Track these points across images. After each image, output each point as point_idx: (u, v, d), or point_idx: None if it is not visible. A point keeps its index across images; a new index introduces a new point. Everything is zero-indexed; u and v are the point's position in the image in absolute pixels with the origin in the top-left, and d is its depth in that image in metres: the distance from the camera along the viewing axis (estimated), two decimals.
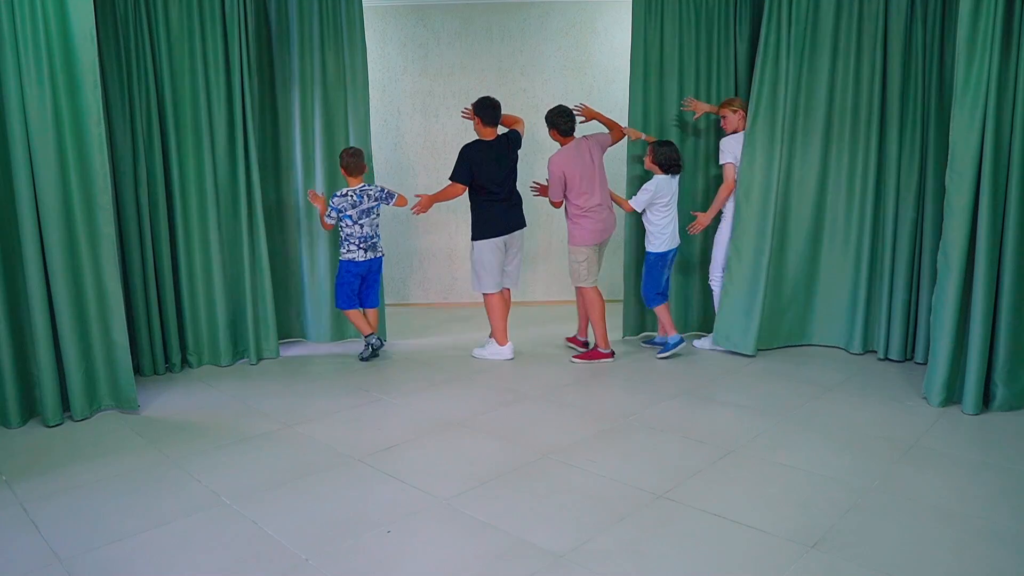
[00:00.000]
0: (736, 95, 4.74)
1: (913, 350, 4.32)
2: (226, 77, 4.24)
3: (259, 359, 4.53)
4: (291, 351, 4.78)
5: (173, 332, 4.30)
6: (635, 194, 4.45)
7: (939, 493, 2.69)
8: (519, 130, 4.54)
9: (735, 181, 4.35)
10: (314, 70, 4.64)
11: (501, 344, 4.52)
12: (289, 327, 4.98)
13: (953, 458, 3.00)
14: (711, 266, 4.60)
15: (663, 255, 4.47)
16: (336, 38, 4.62)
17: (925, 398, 3.64)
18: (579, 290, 4.48)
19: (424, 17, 5.83)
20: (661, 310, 4.52)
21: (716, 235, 4.55)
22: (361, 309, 4.58)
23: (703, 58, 4.72)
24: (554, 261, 6.16)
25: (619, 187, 4.96)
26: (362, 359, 4.54)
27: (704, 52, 4.71)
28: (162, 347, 4.29)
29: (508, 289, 4.61)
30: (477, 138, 4.44)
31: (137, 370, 4.14)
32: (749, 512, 2.56)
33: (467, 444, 3.24)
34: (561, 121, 4.28)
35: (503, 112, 4.47)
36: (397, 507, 2.65)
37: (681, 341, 4.49)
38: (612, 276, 6.07)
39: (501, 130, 4.53)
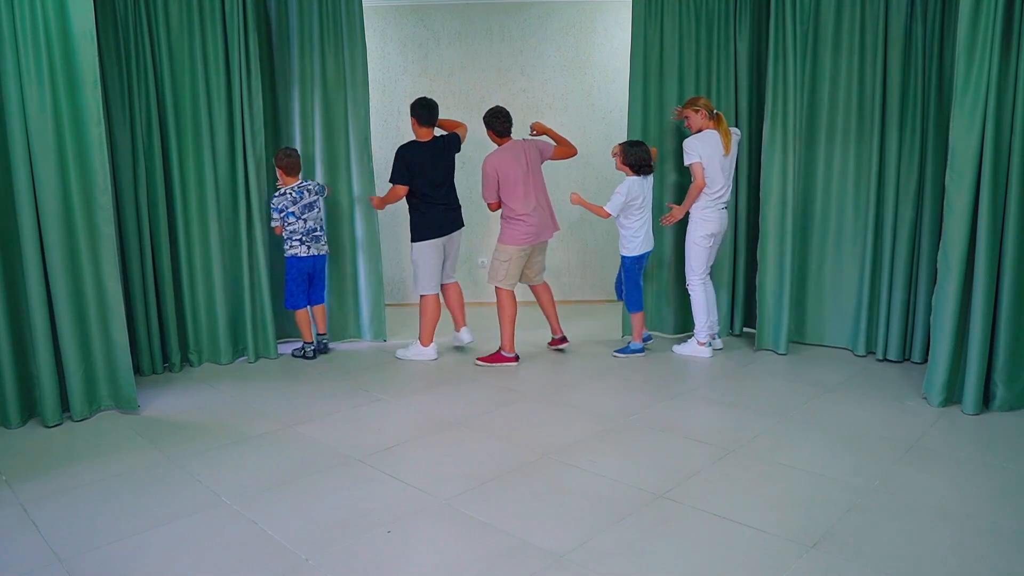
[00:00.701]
0: (736, 95, 4.75)
1: (911, 350, 4.32)
2: (226, 77, 4.25)
3: (257, 358, 4.54)
4: (291, 350, 4.77)
5: (173, 332, 4.30)
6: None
7: (939, 493, 2.69)
8: (460, 134, 4.54)
9: (704, 181, 4.26)
10: (314, 70, 4.64)
11: (425, 345, 4.51)
12: (290, 326, 4.98)
13: (953, 458, 3.00)
14: (686, 270, 4.50)
15: (639, 258, 4.46)
16: (336, 38, 4.62)
17: (925, 398, 3.64)
18: (496, 291, 4.45)
19: (424, 17, 5.83)
20: (638, 317, 4.52)
21: (686, 238, 4.45)
22: (309, 308, 4.62)
23: (703, 58, 4.72)
24: (553, 263, 6.15)
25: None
26: (304, 356, 4.58)
27: (704, 52, 4.72)
28: (161, 347, 4.29)
29: (456, 283, 4.64)
30: (413, 139, 4.43)
31: (137, 370, 4.14)
32: (749, 512, 2.56)
33: (467, 444, 3.24)
34: (497, 122, 4.29)
35: (452, 116, 4.52)
36: (397, 507, 2.65)
37: (642, 350, 4.55)
38: (612, 275, 6.08)
39: (455, 132, 4.57)
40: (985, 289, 3.40)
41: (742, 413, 3.55)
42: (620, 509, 2.60)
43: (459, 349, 4.75)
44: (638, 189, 4.32)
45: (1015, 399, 3.48)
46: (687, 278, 4.49)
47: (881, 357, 4.37)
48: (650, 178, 4.41)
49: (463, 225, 4.57)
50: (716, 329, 4.58)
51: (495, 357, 4.44)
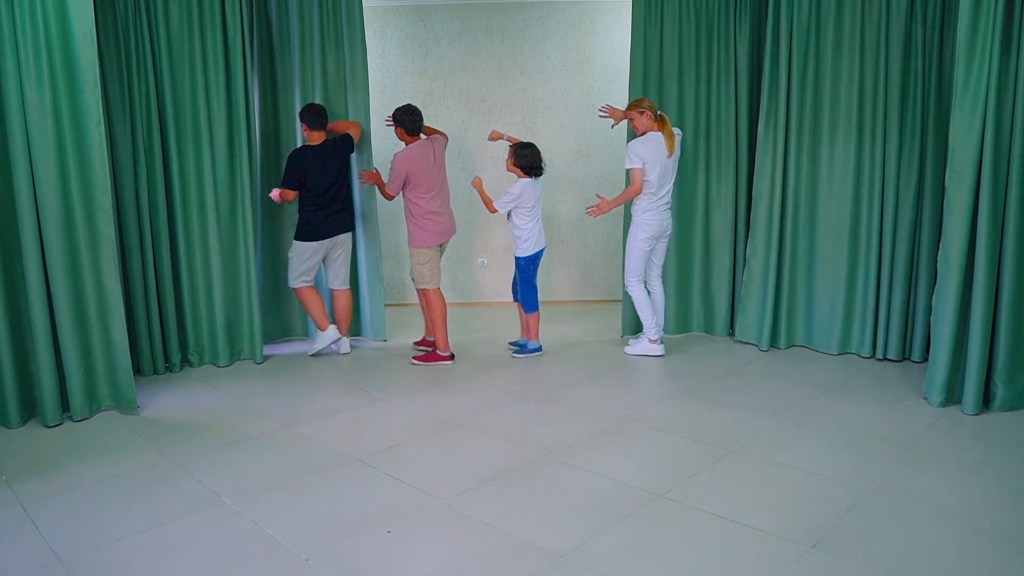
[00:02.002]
0: (736, 95, 4.75)
1: (911, 349, 4.32)
2: (226, 77, 4.24)
3: (242, 359, 4.52)
4: (291, 350, 4.78)
5: (173, 332, 4.30)
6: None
7: (939, 493, 2.69)
8: (353, 134, 4.56)
9: (642, 187, 4.25)
10: (314, 70, 4.64)
11: (323, 329, 4.55)
12: (290, 326, 4.99)
13: (953, 458, 3.00)
14: (625, 272, 4.48)
15: (533, 257, 4.49)
16: (336, 38, 4.62)
17: (925, 398, 3.64)
18: (421, 292, 4.47)
19: (424, 17, 5.83)
20: (535, 317, 4.53)
21: (628, 239, 4.44)
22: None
23: (703, 58, 4.72)
24: (552, 262, 6.16)
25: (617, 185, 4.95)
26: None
27: (704, 52, 4.71)
28: (162, 347, 4.29)
29: (347, 292, 4.65)
30: (305, 143, 4.48)
31: (137, 370, 4.14)
32: (749, 512, 2.56)
33: (467, 444, 3.24)
34: (408, 120, 4.30)
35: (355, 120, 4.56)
36: (397, 507, 2.65)
37: (540, 349, 4.58)
38: (613, 276, 6.09)
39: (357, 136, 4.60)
40: (985, 289, 3.40)
41: (742, 413, 3.55)
42: (620, 509, 2.60)
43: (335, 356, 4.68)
44: (530, 191, 4.34)
45: (1015, 399, 3.48)
46: (625, 278, 4.48)
47: (881, 357, 4.37)
48: (540, 179, 4.43)
49: (350, 229, 4.59)
50: (656, 332, 4.52)
51: (431, 357, 4.47)
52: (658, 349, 4.49)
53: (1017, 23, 3.27)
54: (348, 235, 4.60)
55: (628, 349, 4.60)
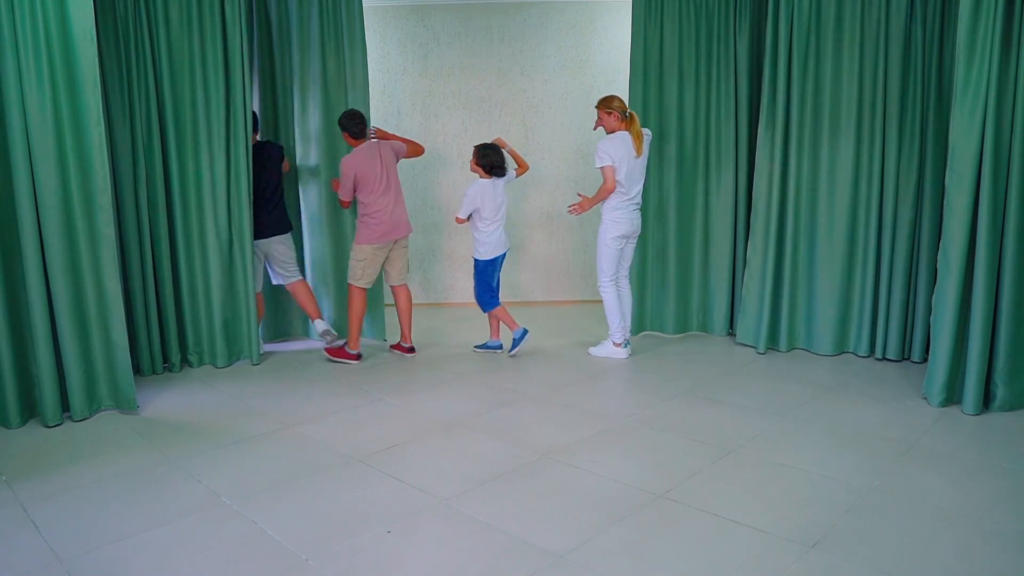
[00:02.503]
0: (736, 95, 4.75)
1: (910, 349, 4.32)
2: (226, 77, 4.24)
3: (242, 359, 4.52)
4: (291, 350, 4.77)
5: (172, 332, 4.30)
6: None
7: (939, 493, 2.69)
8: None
9: (615, 183, 4.23)
10: (314, 70, 4.64)
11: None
12: (290, 326, 4.98)
13: (953, 458, 3.00)
14: (597, 271, 4.47)
15: (491, 262, 4.48)
16: (336, 38, 4.62)
17: (925, 398, 3.64)
18: (351, 288, 4.50)
19: (424, 17, 5.83)
20: (498, 312, 4.55)
21: (598, 239, 4.41)
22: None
23: (703, 58, 4.72)
24: (553, 262, 6.16)
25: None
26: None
27: (704, 52, 4.71)
28: (161, 347, 4.29)
29: (299, 282, 4.67)
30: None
31: (136, 370, 4.14)
32: (749, 512, 2.56)
33: (467, 444, 3.24)
34: (352, 124, 4.35)
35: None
36: (397, 507, 2.65)
37: (500, 347, 4.61)
38: None
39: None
40: (985, 289, 3.40)
41: (742, 413, 3.55)
42: (620, 509, 2.60)
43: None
44: (489, 192, 4.33)
45: (1015, 399, 3.48)
46: (598, 279, 4.47)
47: (880, 357, 4.37)
48: (502, 180, 4.42)
49: (285, 230, 4.60)
50: (622, 334, 4.52)
51: (340, 352, 4.53)
52: (621, 353, 4.49)
53: (1017, 23, 3.27)
54: (282, 237, 4.60)
55: (592, 351, 4.60)
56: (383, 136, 4.60)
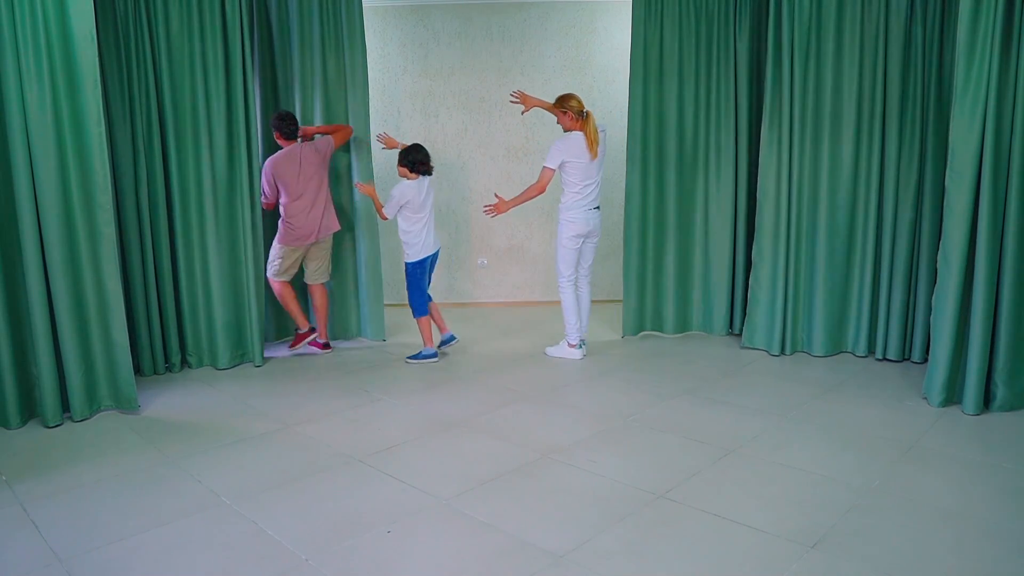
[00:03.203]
0: (736, 95, 4.75)
1: (911, 350, 4.32)
2: (226, 77, 4.24)
3: (242, 359, 4.52)
4: (291, 350, 4.77)
5: (173, 332, 4.30)
6: None
7: (939, 493, 2.69)
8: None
9: (546, 187, 4.23)
10: (314, 70, 4.64)
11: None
12: (290, 326, 4.98)
13: (953, 458, 3.00)
14: (556, 272, 4.47)
15: (421, 263, 4.46)
16: (336, 38, 4.62)
17: (925, 398, 3.64)
18: (270, 281, 4.60)
19: (424, 17, 5.83)
20: (424, 322, 4.51)
21: (556, 240, 4.41)
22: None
23: (703, 58, 4.72)
24: (553, 262, 6.15)
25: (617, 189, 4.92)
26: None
27: (704, 52, 4.71)
28: (162, 347, 4.29)
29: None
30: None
31: (137, 370, 4.14)
32: (749, 512, 2.56)
33: (467, 444, 3.24)
34: (284, 126, 4.41)
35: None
36: (397, 507, 2.65)
37: (435, 356, 4.54)
38: (613, 276, 6.09)
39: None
40: (985, 289, 3.40)
41: (742, 413, 3.55)
42: (620, 509, 2.60)
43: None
44: (414, 192, 4.32)
45: (1015, 399, 3.48)
46: (557, 279, 4.47)
47: (881, 357, 4.37)
48: (426, 180, 4.40)
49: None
50: (578, 335, 4.52)
51: (298, 338, 4.70)
52: (576, 354, 4.49)
53: (1017, 23, 3.27)
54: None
55: (549, 350, 4.61)
56: (308, 133, 4.59)
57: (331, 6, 4.58)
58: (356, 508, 2.65)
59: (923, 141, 4.14)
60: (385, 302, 4.96)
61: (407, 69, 5.90)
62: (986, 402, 3.51)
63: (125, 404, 3.63)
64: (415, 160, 4.31)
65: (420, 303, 4.49)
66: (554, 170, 4.20)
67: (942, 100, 4.03)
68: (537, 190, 4.24)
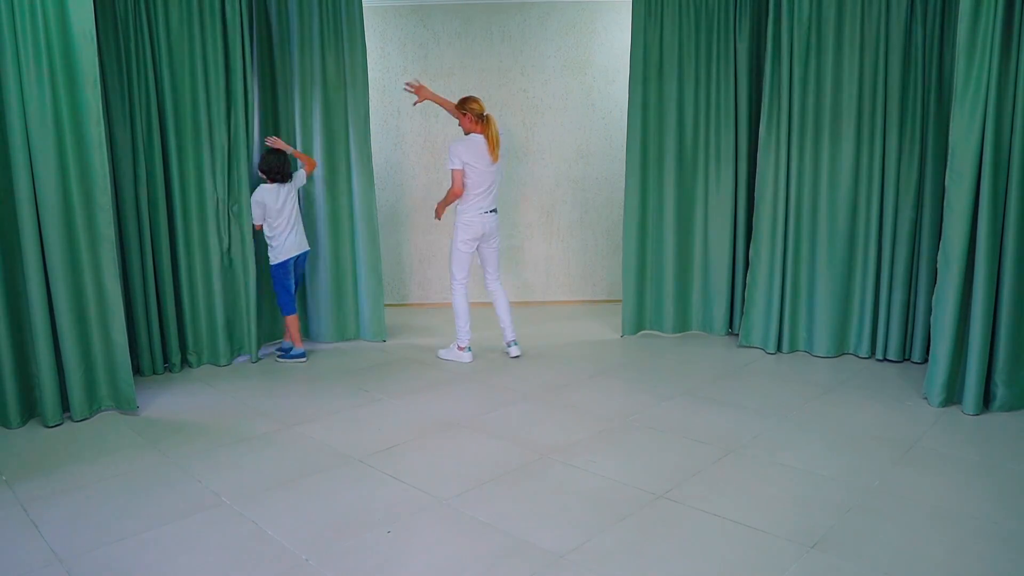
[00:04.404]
0: (736, 95, 4.75)
1: (911, 350, 4.32)
2: (226, 77, 4.24)
3: (257, 359, 4.53)
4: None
5: (172, 332, 4.30)
6: None
7: (939, 493, 2.69)
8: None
9: (462, 187, 4.26)
10: (314, 70, 4.64)
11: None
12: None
13: (953, 458, 3.00)
14: (450, 274, 4.48)
15: (284, 264, 4.47)
16: (336, 38, 4.62)
17: (925, 398, 3.64)
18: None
19: (424, 17, 5.83)
20: (293, 319, 4.53)
21: (451, 243, 4.43)
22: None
23: (703, 58, 4.72)
24: (553, 262, 6.16)
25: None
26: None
27: (704, 52, 4.71)
28: (161, 347, 4.29)
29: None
30: None
31: (136, 370, 4.14)
32: (749, 512, 2.56)
33: (467, 444, 3.24)
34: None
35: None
36: (397, 507, 2.65)
37: (303, 356, 4.55)
38: (613, 276, 6.09)
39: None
40: (985, 289, 3.40)
41: (742, 413, 3.55)
42: (620, 509, 2.60)
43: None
44: (273, 197, 4.35)
45: (1015, 399, 3.48)
46: (451, 282, 4.46)
47: (881, 357, 4.37)
48: (287, 186, 4.42)
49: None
50: (469, 338, 4.50)
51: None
52: (465, 356, 4.49)
53: (1017, 23, 3.27)
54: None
55: (441, 353, 4.61)
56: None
57: (331, 6, 4.58)
58: (356, 508, 2.65)
59: (923, 141, 4.14)
60: (385, 302, 4.95)
61: (407, 69, 5.90)
62: (986, 402, 3.51)
63: (125, 404, 3.63)
64: (269, 167, 4.35)
65: (287, 301, 4.52)
66: (461, 169, 4.23)
67: (942, 100, 4.03)
68: (454, 194, 4.29)
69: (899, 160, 4.21)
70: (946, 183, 3.49)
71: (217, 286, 4.36)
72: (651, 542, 2.39)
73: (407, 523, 2.53)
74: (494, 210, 4.37)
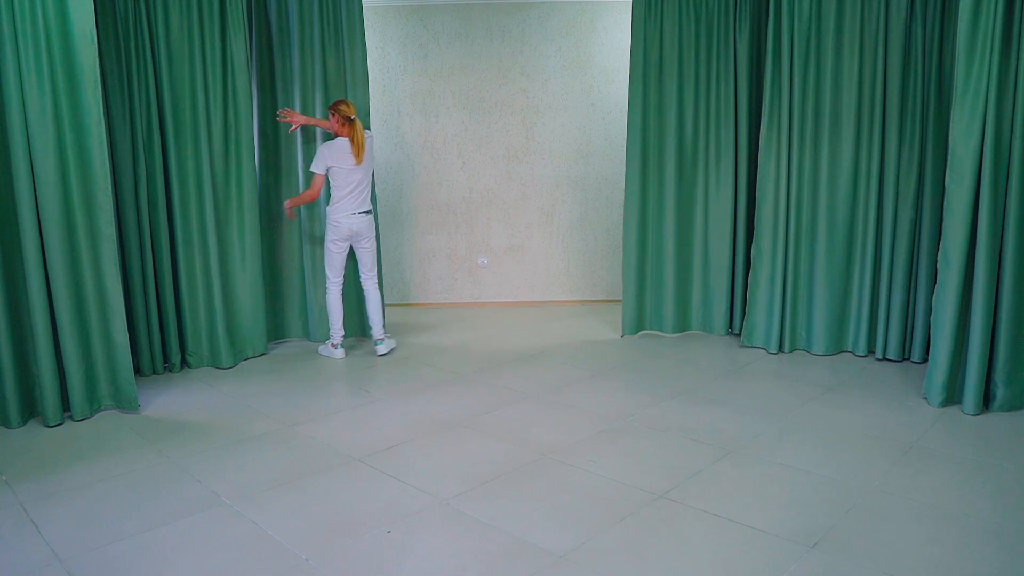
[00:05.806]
0: (736, 95, 4.74)
1: (911, 350, 4.32)
2: (225, 77, 4.24)
3: (243, 359, 4.53)
4: (291, 351, 4.78)
5: (173, 332, 4.30)
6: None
7: (939, 493, 2.69)
8: None
9: (319, 192, 4.39)
10: (314, 70, 4.64)
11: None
12: (290, 327, 4.98)
13: (953, 459, 3.00)
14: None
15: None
16: (336, 38, 4.62)
17: (925, 398, 3.64)
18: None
19: (424, 17, 5.83)
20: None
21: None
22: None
23: (703, 58, 4.72)
24: (553, 262, 6.16)
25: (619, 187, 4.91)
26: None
27: (704, 52, 4.71)
28: (161, 347, 4.29)
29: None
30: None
31: (137, 370, 4.14)
32: (749, 512, 2.56)
33: (467, 444, 3.24)
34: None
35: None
36: (397, 507, 2.65)
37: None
38: (613, 276, 6.09)
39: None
40: (985, 289, 3.40)
41: (742, 413, 3.55)
42: (620, 509, 2.60)
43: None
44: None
45: (1015, 399, 3.48)
46: (325, 281, 4.57)
47: (881, 357, 4.37)
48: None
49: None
50: (341, 335, 4.59)
51: None
52: (338, 353, 4.59)
53: (1017, 23, 3.27)
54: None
55: (320, 349, 4.70)
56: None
57: (331, 6, 4.58)
58: (356, 508, 2.65)
59: (923, 141, 4.14)
60: (386, 302, 4.95)
61: (407, 69, 5.90)
62: (986, 402, 3.51)
63: (125, 404, 3.63)
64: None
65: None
66: (322, 175, 4.36)
67: (942, 100, 4.03)
68: (309, 196, 4.42)
69: (899, 160, 4.21)
70: (946, 183, 3.49)
71: (217, 286, 4.36)
72: (651, 542, 2.39)
73: (407, 523, 2.53)
74: (367, 211, 4.48)
